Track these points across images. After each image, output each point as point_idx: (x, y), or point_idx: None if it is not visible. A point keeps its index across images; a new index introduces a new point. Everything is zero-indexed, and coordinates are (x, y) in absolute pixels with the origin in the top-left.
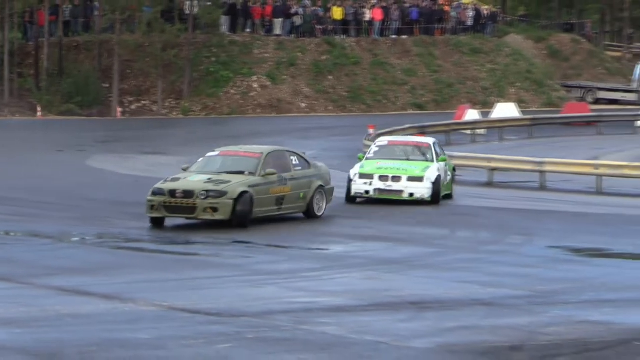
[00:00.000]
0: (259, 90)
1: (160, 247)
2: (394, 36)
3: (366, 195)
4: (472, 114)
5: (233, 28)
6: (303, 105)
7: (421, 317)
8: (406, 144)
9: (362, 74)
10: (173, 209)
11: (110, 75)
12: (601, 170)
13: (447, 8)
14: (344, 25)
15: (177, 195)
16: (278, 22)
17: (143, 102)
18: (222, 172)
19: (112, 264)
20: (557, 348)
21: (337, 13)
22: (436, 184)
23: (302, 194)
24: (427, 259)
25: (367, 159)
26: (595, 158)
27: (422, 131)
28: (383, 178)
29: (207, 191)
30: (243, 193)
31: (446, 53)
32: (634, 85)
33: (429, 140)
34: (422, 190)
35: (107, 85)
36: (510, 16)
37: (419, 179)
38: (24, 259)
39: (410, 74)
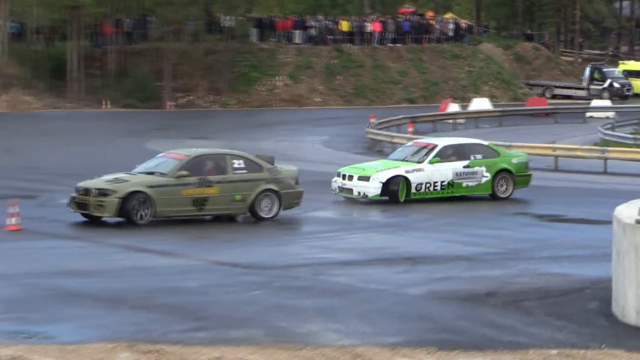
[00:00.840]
0: (282, 87)
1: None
2: (390, 44)
3: (335, 192)
4: (453, 107)
5: (261, 38)
6: (318, 100)
7: (414, 269)
8: (417, 145)
9: (365, 75)
10: (78, 205)
11: (162, 76)
12: (558, 152)
13: (432, 22)
14: (350, 36)
15: (80, 192)
16: (297, 33)
17: (189, 97)
18: (141, 173)
19: (167, 227)
20: (524, 294)
21: (345, 26)
22: (390, 184)
23: (238, 196)
24: (418, 223)
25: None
26: (553, 142)
27: (413, 121)
28: (343, 177)
29: (98, 189)
30: (133, 192)
31: (432, 58)
32: (584, 84)
33: (441, 141)
34: (367, 189)
35: (160, 84)
36: (483, 28)
37: (366, 179)
38: (94, 223)
39: (403, 75)
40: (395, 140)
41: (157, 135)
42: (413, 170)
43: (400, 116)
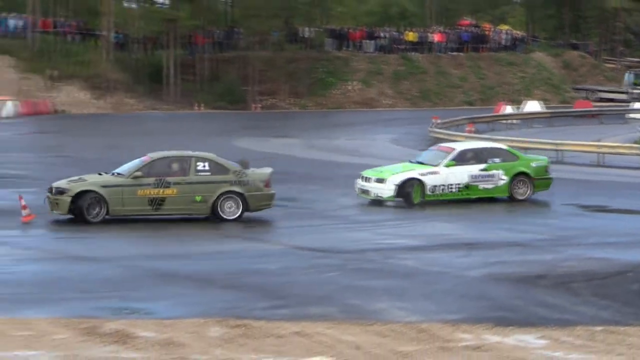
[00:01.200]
0: (355, 91)
1: (284, 203)
2: (451, 53)
3: (358, 194)
4: (507, 109)
5: (336, 47)
6: (387, 102)
7: (473, 254)
8: (439, 149)
9: (429, 80)
10: (49, 204)
11: (249, 81)
12: (602, 150)
13: (489, 33)
14: (415, 45)
15: (49, 191)
16: (368, 43)
17: (273, 100)
18: (112, 173)
19: (248, 215)
20: (571, 277)
21: (411, 36)
22: (404, 187)
23: (199, 198)
24: (474, 214)
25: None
26: (598, 140)
27: (472, 121)
28: (363, 179)
29: (57, 188)
30: (84, 192)
31: (489, 65)
32: (625, 88)
33: (460, 146)
34: (382, 191)
35: (247, 88)
36: (535, 38)
37: (382, 181)
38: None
39: (463, 80)
40: (455, 138)
41: (244, 134)
42: (427, 173)
43: (461, 117)
